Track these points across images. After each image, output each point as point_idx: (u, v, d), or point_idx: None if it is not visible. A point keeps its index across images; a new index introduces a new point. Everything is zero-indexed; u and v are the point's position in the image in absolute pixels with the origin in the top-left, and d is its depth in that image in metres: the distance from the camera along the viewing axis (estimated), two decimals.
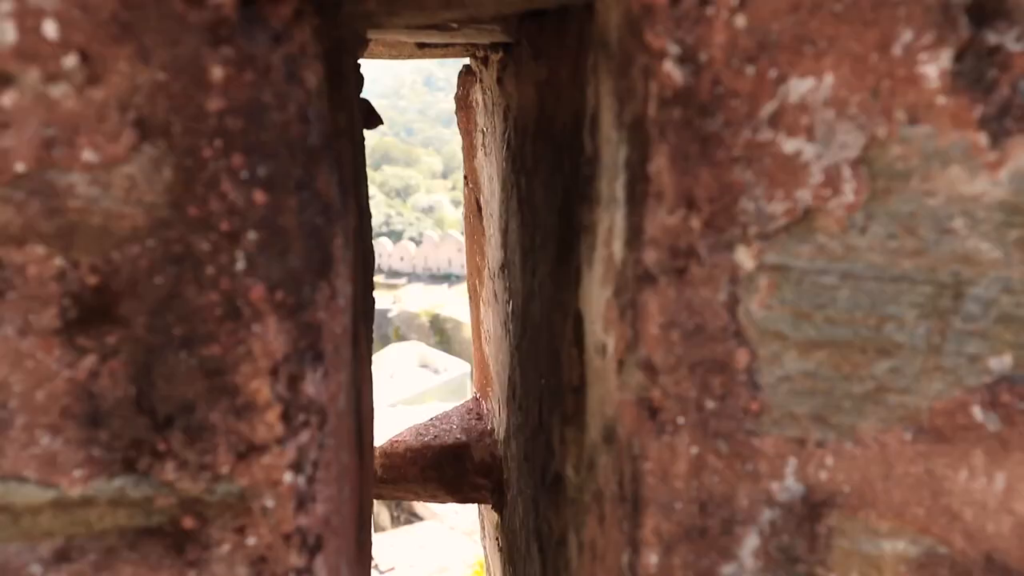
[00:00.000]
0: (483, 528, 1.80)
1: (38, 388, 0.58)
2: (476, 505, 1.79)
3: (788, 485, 0.62)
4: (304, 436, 0.60)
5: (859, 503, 0.62)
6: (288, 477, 0.60)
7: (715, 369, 0.60)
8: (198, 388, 0.58)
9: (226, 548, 0.61)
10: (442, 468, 1.50)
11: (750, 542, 0.62)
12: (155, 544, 0.61)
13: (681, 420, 0.61)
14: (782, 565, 0.63)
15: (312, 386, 0.60)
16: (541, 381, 0.99)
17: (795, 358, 0.60)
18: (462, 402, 1.68)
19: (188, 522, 0.60)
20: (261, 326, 0.57)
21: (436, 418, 1.57)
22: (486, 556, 1.79)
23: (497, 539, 1.59)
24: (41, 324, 0.56)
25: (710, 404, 0.60)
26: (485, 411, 1.60)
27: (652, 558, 0.62)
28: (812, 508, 0.62)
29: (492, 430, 1.54)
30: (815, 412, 0.61)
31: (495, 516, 1.58)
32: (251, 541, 0.61)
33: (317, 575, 0.62)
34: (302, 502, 0.61)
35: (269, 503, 0.60)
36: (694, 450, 0.61)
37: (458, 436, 1.52)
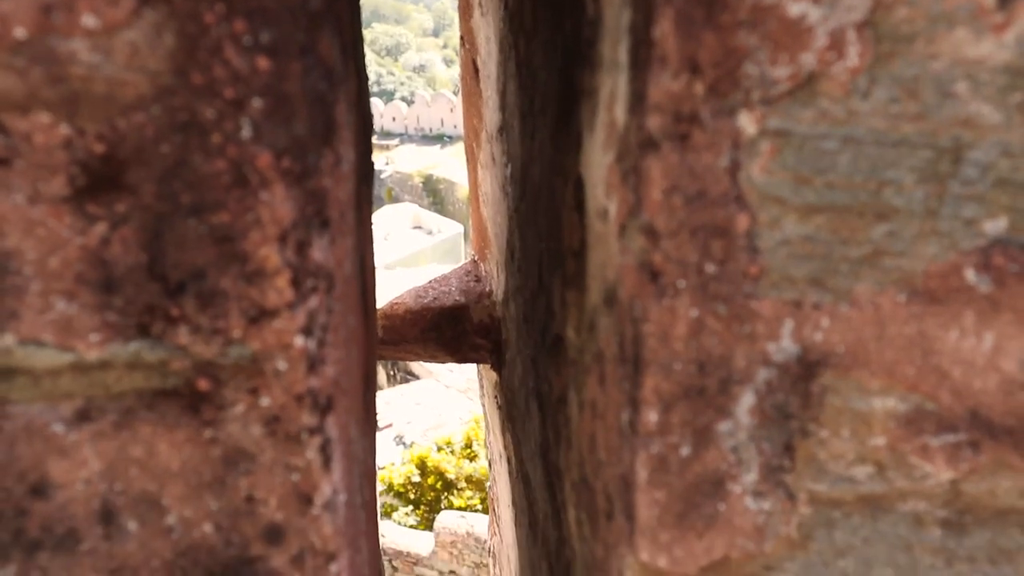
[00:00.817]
0: (482, 387, 1.85)
1: (51, 255, 0.59)
2: (475, 365, 1.84)
3: (784, 346, 0.64)
4: (313, 301, 0.62)
5: (852, 363, 0.65)
6: (299, 341, 0.62)
7: (716, 234, 0.62)
8: (208, 255, 0.60)
9: (240, 408, 0.64)
10: (441, 329, 1.54)
11: (746, 400, 0.65)
12: (172, 405, 0.64)
13: (682, 284, 0.63)
14: (776, 422, 0.66)
15: (319, 252, 0.62)
16: (541, 244, 1.01)
17: (795, 223, 0.62)
18: (459, 264, 1.70)
19: (203, 384, 0.63)
20: (269, 193, 0.59)
21: (435, 280, 1.60)
22: (485, 414, 1.85)
23: (496, 397, 1.64)
24: (50, 192, 0.57)
25: (710, 268, 0.62)
26: (483, 273, 1.62)
27: (652, 416, 0.65)
28: (807, 368, 0.65)
29: (490, 292, 1.57)
30: (812, 275, 0.63)
31: (494, 375, 1.63)
32: (264, 402, 0.64)
33: (328, 433, 0.66)
34: (313, 365, 0.63)
35: (281, 366, 0.63)
36: (694, 313, 0.63)
37: (457, 298, 1.55)
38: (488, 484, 1.95)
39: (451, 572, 11.87)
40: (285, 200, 0.59)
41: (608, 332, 0.72)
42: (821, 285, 0.63)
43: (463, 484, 14.22)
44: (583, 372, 0.80)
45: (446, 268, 1.77)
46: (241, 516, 0.66)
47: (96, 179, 0.57)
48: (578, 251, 0.81)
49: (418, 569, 12.02)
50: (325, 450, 0.65)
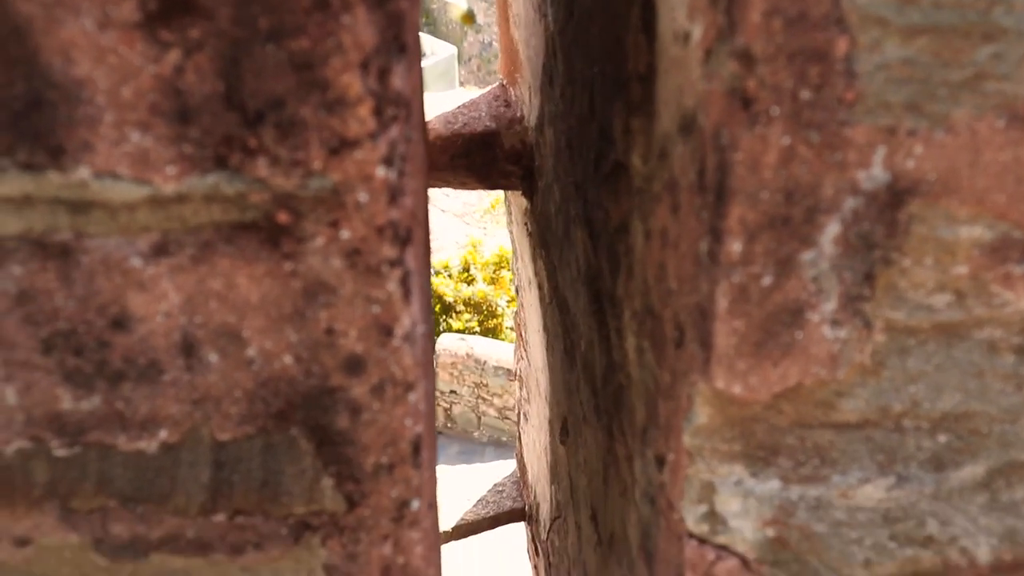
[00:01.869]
0: (509, 214, 1.85)
1: (123, 84, 0.57)
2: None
3: (874, 174, 0.63)
4: (394, 131, 0.61)
5: (942, 190, 0.64)
6: (380, 172, 0.62)
7: (813, 58, 0.60)
8: (288, 83, 0.58)
9: (321, 241, 0.64)
10: (472, 156, 1.52)
11: (831, 229, 0.65)
12: (250, 238, 0.64)
13: (775, 111, 0.61)
14: (859, 251, 0.66)
15: (399, 79, 0.60)
16: (594, 69, 0.98)
17: (895, 45, 0.60)
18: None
19: (282, 217, 0.63)
20: (350, 17, 0.56)
21: (464, 106, 1.57)
22: (512, 240, 1.85)
23: (526, 224, 1.64)
24: (120, 16, 0.55)
25: (805, 94, 0.61)
26: (513, 98, 1.59)
27: (735, 246, 0.65)
28: (895, 196, 0.64)
29: (522, 117, 1.55)
30: (910, 100, 0.61)
31: (524, 202, 1.62)
32: (345, 234, 0.63)
33: (408, 265, 0.66)
34: (394, 196, 0.63)
35: (362, 197, 0.62)
36: (785, 141, 0.62)
37: (487, 124, 1.53)
38: (515, 310, 1.98)
39: (452, 392, 12.23)
40: (367, 24, 0.57)
41: (684, 160, 0.71)
42: (917, 110, 0.62)
43: (461, 307, 14.44)
44: (651, 201, 0.79)
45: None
46: (321, 348, 0.67)
47: (168, 3, 0.55)
48: (645, 76, 0.79)
49: None
50: (405, 282, 0.66)
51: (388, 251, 0.64)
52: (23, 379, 0.67)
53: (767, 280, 0.67)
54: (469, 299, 14.24)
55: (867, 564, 0.80)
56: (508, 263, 14.24)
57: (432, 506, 0.77)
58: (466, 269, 14.92)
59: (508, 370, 10.60)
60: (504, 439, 10.78)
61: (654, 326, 0.82)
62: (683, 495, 0.79)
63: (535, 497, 1.86)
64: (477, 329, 13.85)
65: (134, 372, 0.67)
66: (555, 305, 1.46)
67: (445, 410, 12.39)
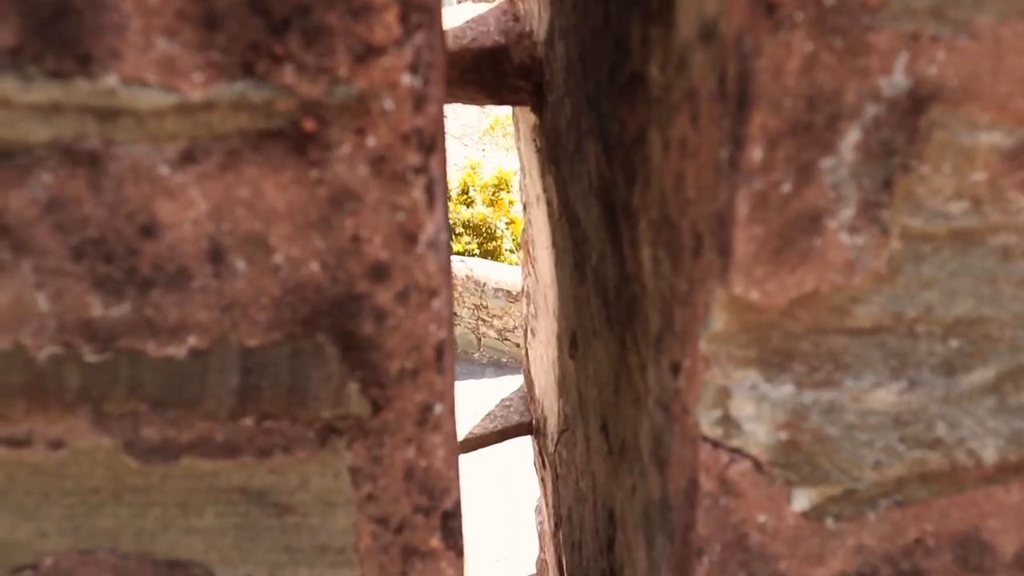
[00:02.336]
0: (517, 130, 1.85)
1: None
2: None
3: (896, 81, 0.64)
4: (419, 38, 0.61)
5: (964, 96, 0.65)
6: (406, 79, 0.62)
7: None
8: None
9: (346, 149, 0.65)
10: (481, 71, 1.52)
11: (852, 136, 0.66)
12: (277, 146, 0.64)
13: (799, 16, 0.61)
14: (879, 158, 0.67)
15: None
16: None
17: None
18: (495, 3, 1.65)
19: (309, 124, 0.63)
20: None
21: (472, 20, 1.55)
22: (520, 156, 1.85)
23: (534, 140, 1.64)
24: None
25: (829, 0, 0.61)
26: (522, 12, 1.58)
27: (756, 153, 0.66)
28: (916, 102, 0.65)
29: (531, 32, 1.54)
30: (933, 6, 0.62)
31: (532, 118, 1.62)
32: (371, 142, 0.64)
33: (432, 173, 0.67)
34: (419, 103, 0.63)
35: (388, 105, 0.63)
36: (808, 47, 0.63)
37: (496, 38, 1.52)
38: (522, 227, 1.99)
39: (452, 314, 12.29)
40: None
41: (704, 69, 0.71)
42: (941, 16, 0.62)
43: (460, 229, 14.43)
44: (669, 111, 0.80)
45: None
46: (347, 255, 0.69)
47: None
48: None
49: None
50: (430, 189, 0.67)
51: (413, 158, 0.65)
52: (54, 286, 0.68)
53: (787, 187, 0.68)
54: (468, 221, 14.23)
55: (877, 466, 0.83)
56: (507, 185, 14.18)
57: (452, 411, 0.80)
58: (465, 191, 14.88)
59: (508, 292, 10.65)
60: (504, 360, 10.88)
61: (671, 235, 0.83)
62: (698, 400, 0.81)
63: (542, 411, 1.89)
64: (476, 251, 13.87)
65: (163, 279, 0.69)
66: (564, 220, 1.47)
67: None
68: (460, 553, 0.87)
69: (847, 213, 0.69)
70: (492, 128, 17.30)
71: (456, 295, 12.20)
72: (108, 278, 0.68)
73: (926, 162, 0.67)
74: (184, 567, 0.85)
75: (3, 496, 0.78)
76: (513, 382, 2.14)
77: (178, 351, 0.72)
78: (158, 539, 0.83)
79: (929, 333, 0.76)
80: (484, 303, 12.10)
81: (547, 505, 2.03)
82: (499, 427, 1.97)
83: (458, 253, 13.65)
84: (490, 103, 1.57)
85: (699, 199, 0.75)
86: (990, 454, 0.82)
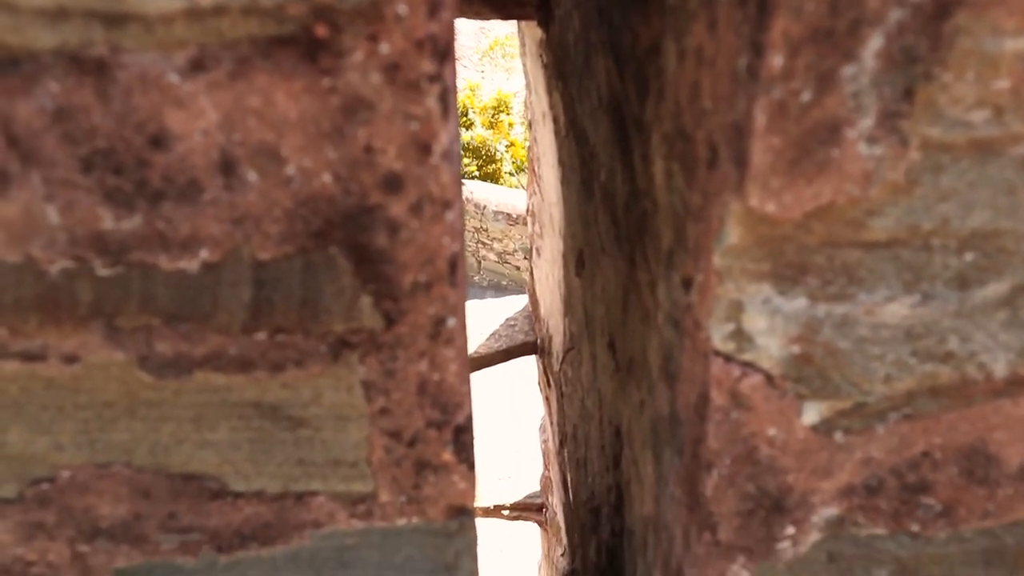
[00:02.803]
0: (523, 45, 1.82)
1: None
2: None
3: None
4: None
5: (990, 1, 0.63)
6: None
7: None
8: None
9: (359, 56, 0.64)
10: None
11: (874, 43, 0.65)
12: (288, 53, 0.63)
13: None
14: (901, 66, 0.66)
15: None
16: None
17: None
18: None
19: (321, 30, 0.62)
20: None
21: None
22: (526, 73, 1.83)
23: (540, 56, 1.62)
24: None
25: None
26: None
27: (776, 60, 0.65)
28: (941, 7, 0.64)
29: None
30: None
31: (539, 33, 1.60)
32: (384, 48, 0.63)
33: (446, 81, 0.66)
34: (433, 8, 0.62)
35: (402, 10, 0.62)
36: None
37: None
38: (527, 145, 1.98)
39: (463, 228, 12.29)
40: None
41: None
42: None
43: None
44: (686, 19, 0.78)
45: None
46: (360, 166, 0.68)
47: None
48: None
49: None
50: (444, 98, 0.66)
51: (427, 66, 0.64)
52: (64, 198, 0.68)
53: (806, 96, 0.67)
54: (467, 144, 14.15)
55: (887, 379, 0.83)
56: (507, 107, 14.04)
57: (464, 326, 0.80)
58: (464, 113, 14.76)
59: (507, 215, 10.61)
60: (504, 283, 10.90)
61: (685, 148, 0.83)
62: (710, 315, 0.81)
63: (547, 330, 1.90)
64: (476, 174, 13.81)
65: (174, 191, 0.68)
66: (572, 137, 1.46)
67: None
68: (472, 467, 0.89)
69: (866, 123, 0.69)
70: (491, 49, 17.08)
71: None
72: (118, 190, 0.68)
73: (949, 70, 0.66)
74: (198, 480, 0.86)
75: (19, 410, 0.79)
76: (522, 300, 2.14)
77: (190, 265, 0.72)
78: (173, 453, 0.84)
79: (944, 246, 0.76)
80: (484, 226, 12.09)
81: (551, 424, 2.06)
82: (504, 346, 1.98)
83: None
84: (496, 17, 1.54)
85: (715, 110, 0.74)
86: (1000, 367, 0.83)
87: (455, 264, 0.74)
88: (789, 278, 0.78)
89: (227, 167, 0.67)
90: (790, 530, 0.96)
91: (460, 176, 0.73)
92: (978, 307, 0.79)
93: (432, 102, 0.66)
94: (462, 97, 15.17)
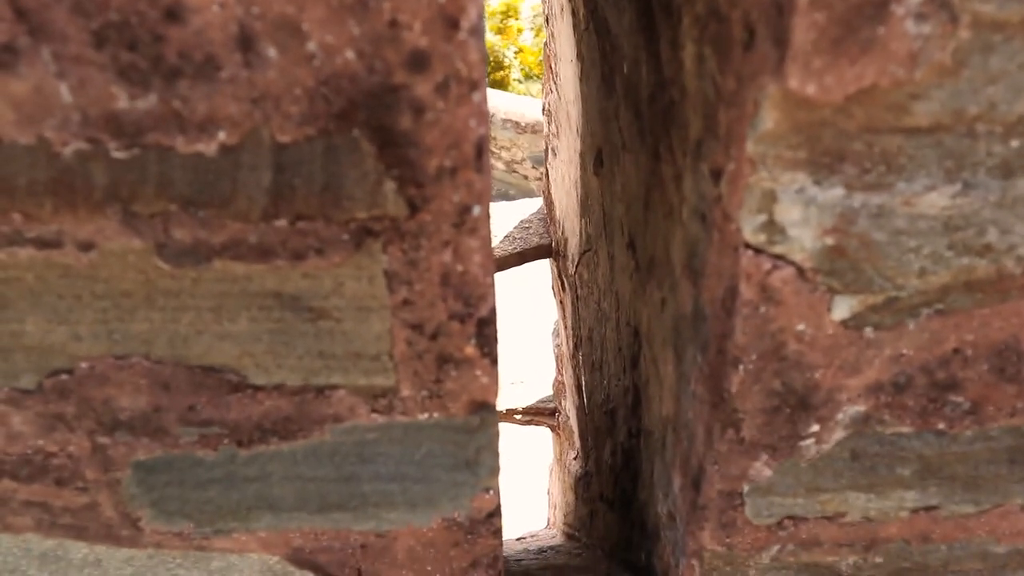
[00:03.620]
0: None
1: None
2: None
3: None
4: None
5: None
6: None
7: None
8: None
9: None
10: None
11: None
12: None
13: None
14: None
15: None
16: None
17: None
18: None
19: None
20: None
21: None
22: None
23: None
24: None
25: None
26: None
27: None
28: None
29: None
30: None
31: None
32: None
33: None
34: None
35: None
36: None
37: None
38: (544, 42, 1.93)
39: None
40: None
41: None
42: None
43: None
44: None
45: None
46: (384, 42, 0.65)
47: None
48: None
49: None
50: None
51: None
52: (77, 75, 0.65)
53: None
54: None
55: (922, 273, 0.82)
56: (515, 12, 13.77)
57: (489, 215, 0.78)
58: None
59: (516, 123, 10.50)
60: (512, 192, 10.84)
61: (719, 29, 0.80)
62: (741, 205, 0.79)
63: (562, 232, 1.89)
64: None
65: (190, 68, 0.66)
66: (592, 30, 1.42)
67: None
68: (495, 361, 0.88)
69: None
70: None
71: None
72: (132, 67, 0.65)
73: None
74: (218, 372, 0.85)
75: (36, 299, 0.78)
76: (530, 206, 2.12)
77: (208, 147, 0.70)
78: (192, 344, 0.83)
79: (989, 132, 0.73)
80: (492, 134, 11.97)
81: (565, 327, 2.05)
82: (519, 249, 1.96)
83: None
84: None
85: None
86: None
87: (481, 149, 0.72)
88: (825, 166, 0.75)
89: (246, 42, 0.65)
90: (815, 427, 0.95)
91: (487, 55, 0.70)
92: (1021, 197, 0.77)
93: None
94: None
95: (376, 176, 0.72)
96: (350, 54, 0.66)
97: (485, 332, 0.85)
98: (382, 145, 0.70)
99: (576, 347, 1.92)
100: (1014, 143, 0.74)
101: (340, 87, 0.67)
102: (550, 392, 2.50)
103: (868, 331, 0.87)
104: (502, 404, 2.46)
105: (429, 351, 0.85)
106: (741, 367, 0.89)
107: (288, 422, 0.90)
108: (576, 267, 1.80)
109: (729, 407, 0.93)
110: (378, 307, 0.81)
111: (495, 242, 1.98)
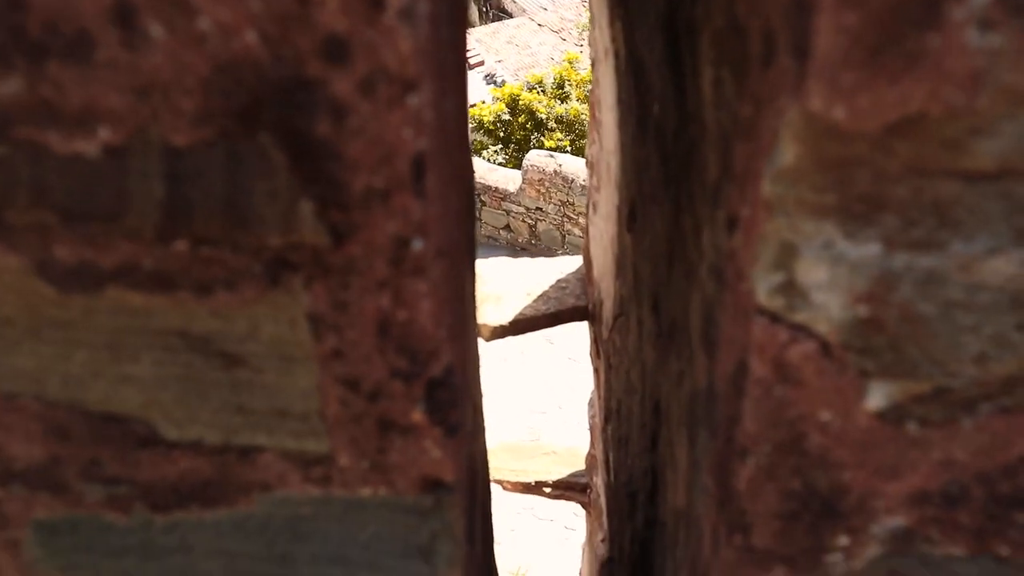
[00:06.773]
0: None
1: None
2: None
3: None
4: None
5: None
6: None
7: None
8: None
9: None
10: None
11: None
12: None
13: None
14: None
15: None
16: None
17: None
18: None
19: None
20: None
21: None
22: (590, 7, 1.65)
23: None
24: None
25: None
26: None
27: None
28: None
29: None
30: None
31: None
32: None
33: None
34: None
35: None
36: None
37: None
38: (589, 88, 1.80)
39: (537, 208, 12.24)
40: None
41: None
42: None
43: (553, 125, 14.21)
44: None
45: None
46: (292, 23, 0.52)
47: None
48: None
49: (505, 204, 12.41)
50: None
51: None
52: None
53: None
54: (562, 117, 13.96)
55: (981, 359, 0.65)
56: None
57: (443, 254, 0.64)
58: (560, 86, 14.58)
59: None
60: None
61: (737, 44, 0.65)
62: (756, 260, 0.63)
63: (599, 294, 1.73)
64: (568, 148, 13.63)
65: (59, 44, 0.53)
66: (630, 71, 1.28)
67: (530, 227, 12.45)
68: (451, 431, 0.73)
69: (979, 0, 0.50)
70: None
71: (543, 191, 12.09)
72: None
73: None
74: (121, 422, 0.72)
75: None
76: (571, 263, 1.97)
77: (88, 147, 0.57)
78: (89, 387, 0.70)
79: None
80: (571, 199, 11.97)
81: (599, 398, 1.89)
82: (553, 309, 1.81)
83: (551, 149, 13.43)
84: None
85: None
86: None
87: (421, 167, 0.57)
88: (860, 216, 0.59)
89: (124, 16, 0.52)
90: (843, 540, 0.78)
91: (435, 52, 0.56)
92: None
93: None
94: (560, 69, 14.93)
95: (290, 193, 0.58)
96: (251, 36, 0.53)
97: (437, 395, 0.70)
98: (295, 155, 0.57)
99: (606, 420, 1.75)
100: None
101: (241, 78, 0.54)
102: (582, 466, 2.33)
103: (911, 426, 0.69)
104: (533, 476, 2.30)
105: (367, 414, 0.70)
106: (751, 459, 0.72)
107: (209, 487, 0.76)
108: (610, 332, 1.64)
109: (737, 507, 0.76)
110: (303, 357, 0.67)
111: (529, 300, 1.84)
